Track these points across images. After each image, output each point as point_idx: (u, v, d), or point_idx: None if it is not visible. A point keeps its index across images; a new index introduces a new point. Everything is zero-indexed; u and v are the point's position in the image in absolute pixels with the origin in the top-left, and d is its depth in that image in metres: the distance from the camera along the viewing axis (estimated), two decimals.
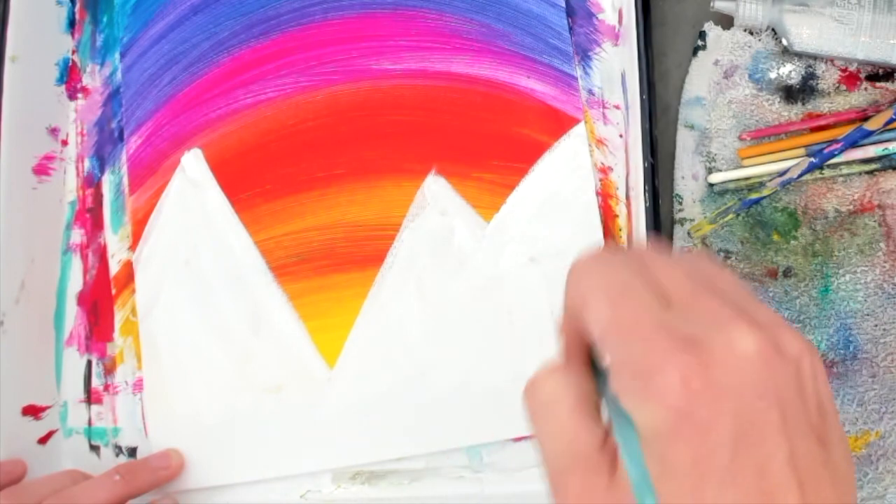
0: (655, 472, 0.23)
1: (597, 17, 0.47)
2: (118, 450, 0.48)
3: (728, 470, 0.22)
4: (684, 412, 0.22)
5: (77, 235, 0.50)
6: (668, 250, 0.28)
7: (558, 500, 0.24)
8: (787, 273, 0.45)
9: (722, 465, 0.22)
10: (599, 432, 0.24)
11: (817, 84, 0.46)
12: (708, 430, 0.22)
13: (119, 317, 0.49)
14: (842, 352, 0.45)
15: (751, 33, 0.46)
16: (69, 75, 0.51)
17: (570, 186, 0.46)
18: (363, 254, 0.47)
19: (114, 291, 0.49)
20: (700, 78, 0.47)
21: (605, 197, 0.46)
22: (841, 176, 0.45)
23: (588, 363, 0.26)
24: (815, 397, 0.24)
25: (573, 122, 0.47)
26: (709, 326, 0.23)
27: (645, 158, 0.43)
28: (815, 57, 0.46)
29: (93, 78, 0.51)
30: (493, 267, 0.46)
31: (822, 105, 0.46)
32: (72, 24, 0.51)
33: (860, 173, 0.45)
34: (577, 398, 0.25)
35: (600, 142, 0.47)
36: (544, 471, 0.25)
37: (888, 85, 0.45)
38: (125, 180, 0.50)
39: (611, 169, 0.46)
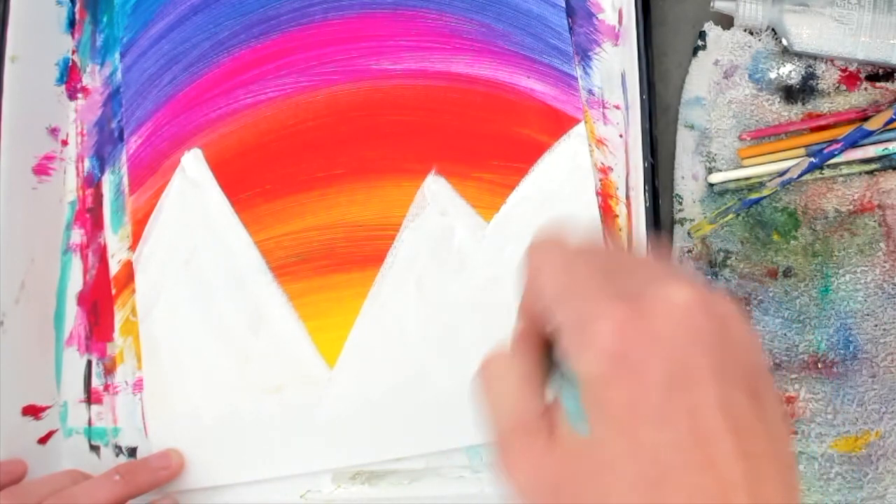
0: (594, 415, 0.24)
1: (597, 17, 0.47)
2: (118, 450, 0.48)
3: (661, 410, 0.23)
4: (619, 356, 0.23)
5: (77, 235, 0.50)
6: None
7: (501, 461, 0.26)
8: (787, 273, 0.45)
9: (655, 406, 0.23)
10: (541, 403, 0.26)
11: (817, 84, 0.46)
12: (641, 372, 0.23)
13: (119, 317, 0.49)
14: (842, 352, 0.45)
15: (751, 33, 0.46)
16: (69, 75, 0.51)
17: (570, 186, 0.46)
18: (363, 254, 0.47)
19: (114, 291, 0.49)
20: (700, 78, 0.47)
21: (605, 197, 0.46)
22: (841, 176, 0.45)
23: (542, 350, 0.27)
24: (745, 356, 0.25)
25: (573, 122, 0.47)
26: (647, 283, 0.25)
27: (645, 158, 0.43)
28: (815, 57, 0.46)
29: (93, 78, 0.51)
30: (493, 267, 0.46)
31: (822, 105, 0.46)
32: (72, 23, 0.51)
33: (860, 173, 0.45)
34: (524, 373, 0.27)
35: (600, 142, 0.47)
36: (490, 436, 0.27)
37: (888, 85, 0.45)
38: (125, 180, 0.50)
39: (611, 169, 0.46)
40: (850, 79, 0.46)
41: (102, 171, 0.50)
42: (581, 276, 0.26)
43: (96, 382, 0.49)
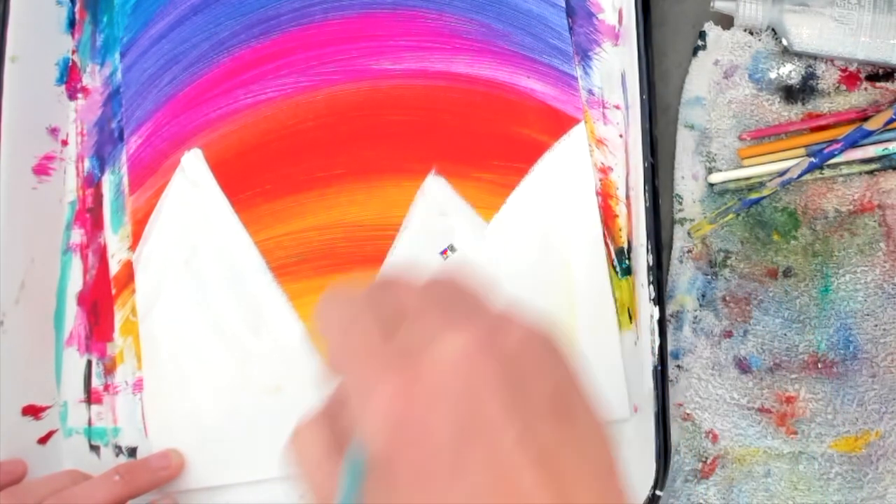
0: (384, 489, 0.23)
1: (597, 17, 0.47)
2: (118, 450, 0.48)
3: (454, 466, 0.22)
4: (398, 426, 0.23)
5: (77, 235, 0.50)
6: (425, 274, 0.29)
7: None
8: (787, 273, 0.45)
9: (446, 464, 0.23)
10: None
11: (817, 84, 0.46)
12: (425, 436, 0.23)
13: (119, 317, 0.49)
14: (842, 352, 0.45)
15: (751, 33, 0.46)
16: (69, 75, 0.51)
17: (570, 186, 0.46)
18: (363, 254, 0.47)
19: (114, 291, 0.49)
20: (700, 78, 0.47)
21: (605, 197, 0.46)
22: (841, 176, 0.45)
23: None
24: (544, 380, 0.24)
25: (573, 122, 0.47)
26: (425, 340, 0.24)
27: (645, 158, 0.43)
28: (815, 57, 0.46)
29: (93, 78, 0.51)
30: (492, 267, 0.46)
31: (822, 105, 0.46)
32: (72, 23, 0.51)
33: (860, 173, 0.45)
34: (331, 439, 0.26)
35: (600, 142, 0.47)
36: (305, 500, 0.26)
37: (888, 85, 0.45)
38: (125, 180, 0.50)
39: (611, 169, 0.46)
40: (850, 79, 0.46)
41: (102, 171, 0.50)
42: (359, 338, 0.25)
43: (96, 382, 0.49)
